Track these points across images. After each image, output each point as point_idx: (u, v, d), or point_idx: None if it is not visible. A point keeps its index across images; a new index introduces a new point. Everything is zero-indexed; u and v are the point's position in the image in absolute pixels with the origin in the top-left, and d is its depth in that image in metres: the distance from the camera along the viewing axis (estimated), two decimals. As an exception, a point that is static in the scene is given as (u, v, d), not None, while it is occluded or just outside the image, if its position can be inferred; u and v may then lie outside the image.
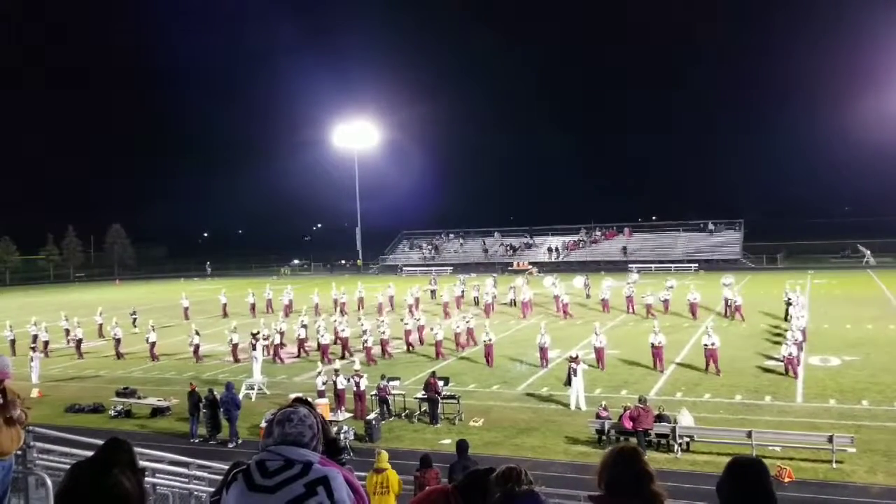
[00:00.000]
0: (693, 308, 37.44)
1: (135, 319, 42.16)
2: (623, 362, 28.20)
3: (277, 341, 31.96)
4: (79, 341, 35.31)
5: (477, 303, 45.07)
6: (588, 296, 45.71)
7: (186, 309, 46.12)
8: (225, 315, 44.38)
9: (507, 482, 3.43)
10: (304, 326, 32.93)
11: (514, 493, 3.41)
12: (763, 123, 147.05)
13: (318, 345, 31.09)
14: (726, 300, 38.25)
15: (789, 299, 34.35)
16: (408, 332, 32.72)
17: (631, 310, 39.98)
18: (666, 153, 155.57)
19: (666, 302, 39.51)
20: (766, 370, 25.94)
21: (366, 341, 30.52)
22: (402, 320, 34.41)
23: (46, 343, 35.79)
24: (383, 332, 31.44)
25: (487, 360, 28.88)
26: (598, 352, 27.29)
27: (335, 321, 34.17)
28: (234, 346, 31.97)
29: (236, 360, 31.54)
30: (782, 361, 25.59)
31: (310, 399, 3.81)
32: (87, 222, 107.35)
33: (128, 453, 4.81)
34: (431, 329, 31.91)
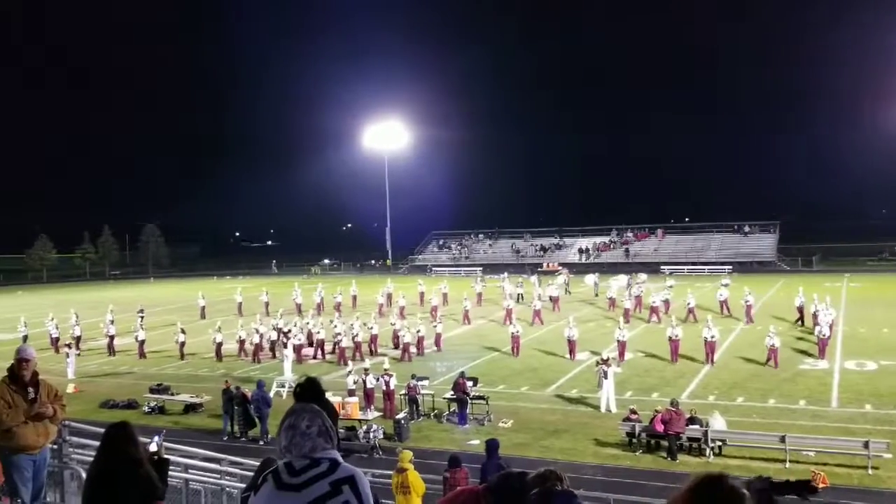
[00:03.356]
0: (656, 310, 37.91)
1: (142, 317, 42.34)
2: (654, 365, 27.99)
3: (322, 337, 32.09)
4: (77, 338, 35.71)
5: (520, 299, 45.75)
6: (630, 295, 45.65)
7: (203, 308, 46.36)
8: (240, 314, 44.31)
9: (545, 481, 3.40)
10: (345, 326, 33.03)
11: (553, 492, 3.37)
12: (800, 124, 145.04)
13: (289, 344, 31.53)
14: (724, 300, 39.13)
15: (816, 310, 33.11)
16: (373, 337, 32.52)
17: (638, 309, 40.11)
18: (701, 154, 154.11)
19: (666, 302, 39.51)
20: (801, 374, 25.61)
21: (339, 342, 30.97)
22: (364, 324, 33.33)
23: (56, 339, 36.36)
24: (356, 334, 31.51)
25: (513, 351, 30.82)
26: (621, 345, 28.62)
27: (308, 323, 34.26)
28: (219, 346, 32.38)
29: (219, 359, 32.02)
30: (768, 352, 26.83)
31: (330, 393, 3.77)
32: (123, 222, 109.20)
33: (129, 433, 5.10)
34: (399, 331, 32.03)
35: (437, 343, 32.65)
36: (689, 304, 37.52)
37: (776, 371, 26.00)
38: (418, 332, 31.96)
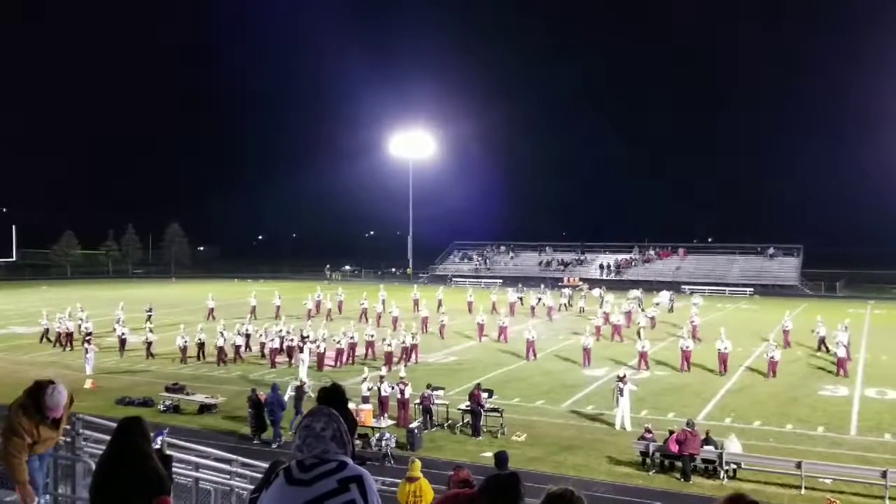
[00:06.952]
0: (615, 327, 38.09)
1: (149, 316, 42.29)
2: (671, 384, 27.78)
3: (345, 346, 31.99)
4: (69, 334, 36.12)
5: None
6: (671, 310, 45.83)
7: (212, 310, 46.26)
8: (253, 317, 43.68)
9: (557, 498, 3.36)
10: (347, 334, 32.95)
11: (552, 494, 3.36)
12: (826, 145, 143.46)
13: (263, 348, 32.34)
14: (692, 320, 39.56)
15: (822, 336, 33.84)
16: (351, 345, 32.28)
17: (627, 325, 40.08)
18: (725, 174, 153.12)
19: (652, 319, 39.78)
20: (820, 400, 25.31)
21: (318, 347, 31.05)
22: (344, 333, 32.70)
23: (59, 335, 36.85)
24: (338, 341, 31.62)
25: (528, 355, 32.50)
26: (642, 355, 30.02)
27: (281, 330, 33.93)
28: (183, 350, 32.44)
29: (183, 362, 32.15)
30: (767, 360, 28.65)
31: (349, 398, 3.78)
32: (147, 221, 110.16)
33: (142, 428, 5.15)
34: (383, 340, 31.72)
35: (406, 353, 31.81)
36: (638, 322, 38.24)
37: (795, 396, 25.73)
38: (403, 341, 32.09)
